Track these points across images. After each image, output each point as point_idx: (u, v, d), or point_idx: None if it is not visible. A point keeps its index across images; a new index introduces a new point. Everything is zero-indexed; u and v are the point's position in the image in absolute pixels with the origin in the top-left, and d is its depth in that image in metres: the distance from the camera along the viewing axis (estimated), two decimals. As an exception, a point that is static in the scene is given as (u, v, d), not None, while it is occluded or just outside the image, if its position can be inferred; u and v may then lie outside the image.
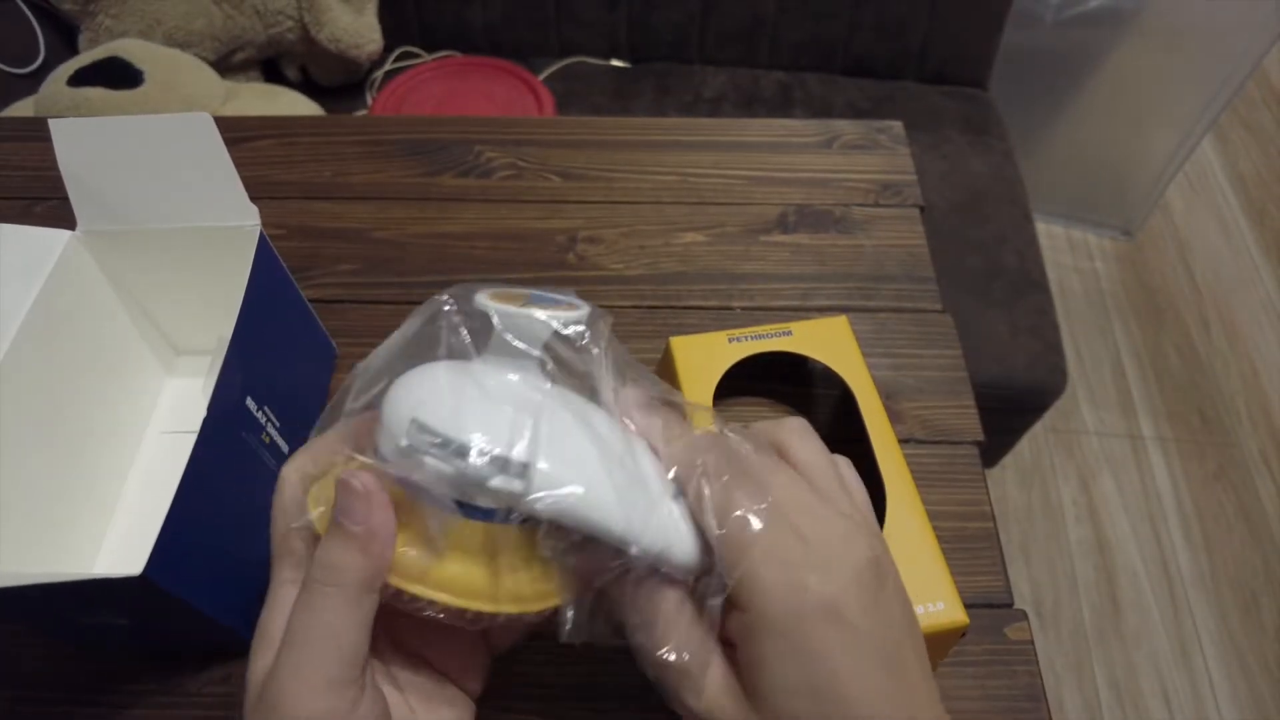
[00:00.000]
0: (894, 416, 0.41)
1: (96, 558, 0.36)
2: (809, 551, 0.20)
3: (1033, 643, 0.35)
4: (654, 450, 0.23)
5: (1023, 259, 0.89)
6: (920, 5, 0.99)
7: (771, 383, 0.42)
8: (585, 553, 0.22)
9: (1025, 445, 1.17)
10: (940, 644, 0.31)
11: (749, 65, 1.08)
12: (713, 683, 0.21)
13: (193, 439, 0.28)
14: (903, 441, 0.39)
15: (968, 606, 0.31)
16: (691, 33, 1.06)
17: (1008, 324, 0.84)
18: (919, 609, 0.30)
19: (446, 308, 0.23)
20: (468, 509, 0.21)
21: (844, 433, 0.41)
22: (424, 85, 1.00)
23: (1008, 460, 1.15)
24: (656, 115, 1.02)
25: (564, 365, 0.23)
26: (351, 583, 0.20)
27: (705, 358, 0.38)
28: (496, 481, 0.20)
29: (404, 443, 0.20)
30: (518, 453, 0.20)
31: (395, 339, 0.24)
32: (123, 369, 0.40)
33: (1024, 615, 0.36)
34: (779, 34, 1.04)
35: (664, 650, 0.21)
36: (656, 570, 0.22)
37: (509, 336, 0.22)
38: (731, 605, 0.21)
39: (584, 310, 0.23)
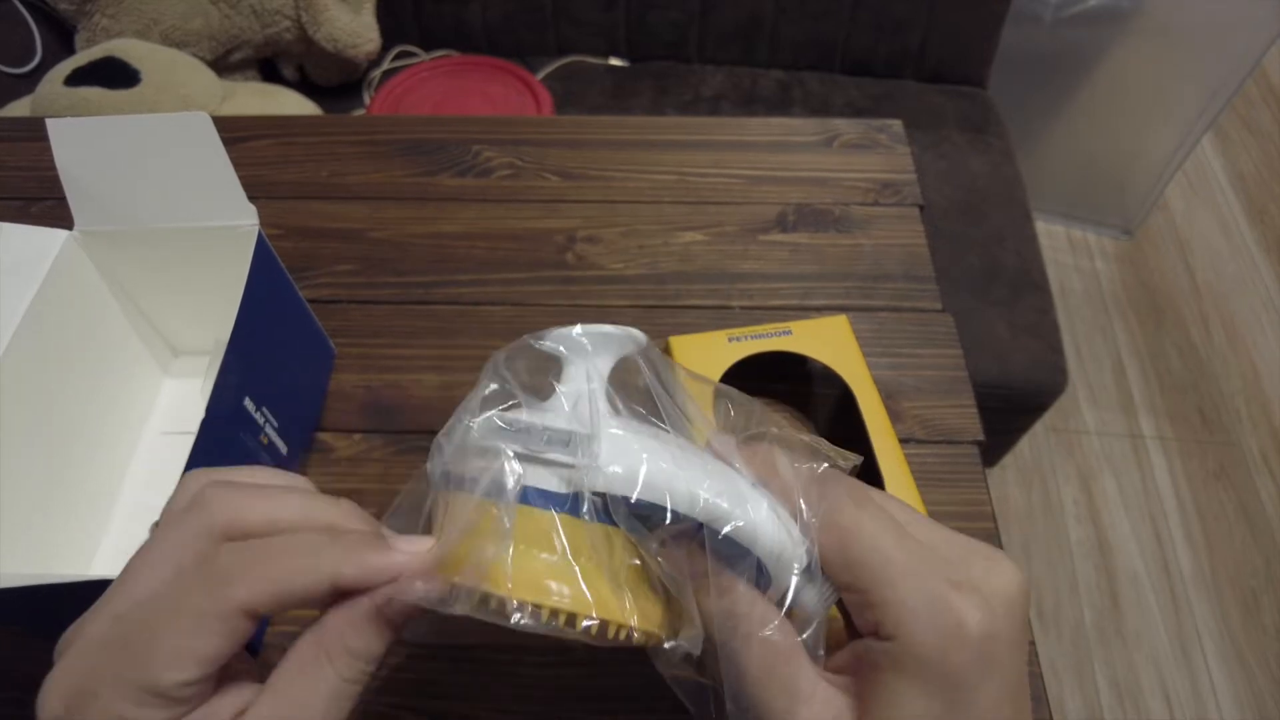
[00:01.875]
0: (894, 416, 0.41)
1: (94, 559, 0.36)
2: (954, 573, 0.19)
3: (1033, 643, 0.35)
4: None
5: (1022, 258, 0.89)
6: (919, 4, 0.99)
7: (771, 382, 0.42)
8: (678, 548, 0.21)
9: (1025, 445, 1.17)
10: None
11: (748, 64, 1.07)
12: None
13: (191, 440, 0.28)
14: (903, 441, 0.39)
15: (969, 607, 0.31)
16: (690, 32, 1.06)
17: (1007, 323, 0.84)
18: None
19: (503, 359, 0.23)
20: (553, 500, 0.20)
21: (844, 432, 0.40)
22: (422, 85, 1.00)
23: (1008, 460, 1.15)
24: (655, 114, 1.02)
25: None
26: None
27: (705, 357, 0.38)
28: (557, 454, 0.20)
29: (483, 442, 0.20)
30: (582, 426, 0.20)
31: (468, 401, 0.23)
32: (120, 369, 0.40)
33: (1025, 615, 0.35)
34: (778, 33, 1.04)
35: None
36: (756, 578, 0.20)
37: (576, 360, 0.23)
38: (851, 628, 0.20)
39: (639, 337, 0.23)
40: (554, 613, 0.19)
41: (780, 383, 0.42)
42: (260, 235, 0.35)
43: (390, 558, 0.19)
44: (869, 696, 0.19)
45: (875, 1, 0.99)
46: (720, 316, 0.46)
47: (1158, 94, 1.17)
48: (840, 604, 0.21)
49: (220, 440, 0.30)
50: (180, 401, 0.42)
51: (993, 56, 1.04)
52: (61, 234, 0.36)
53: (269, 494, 0.20)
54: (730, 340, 0.38)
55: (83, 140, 0.33)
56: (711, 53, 1.07)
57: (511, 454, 0.20)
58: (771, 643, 0.20)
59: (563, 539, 0.20)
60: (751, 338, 0.38)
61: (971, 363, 0.43)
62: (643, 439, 0.21)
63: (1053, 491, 1.14)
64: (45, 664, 0.19)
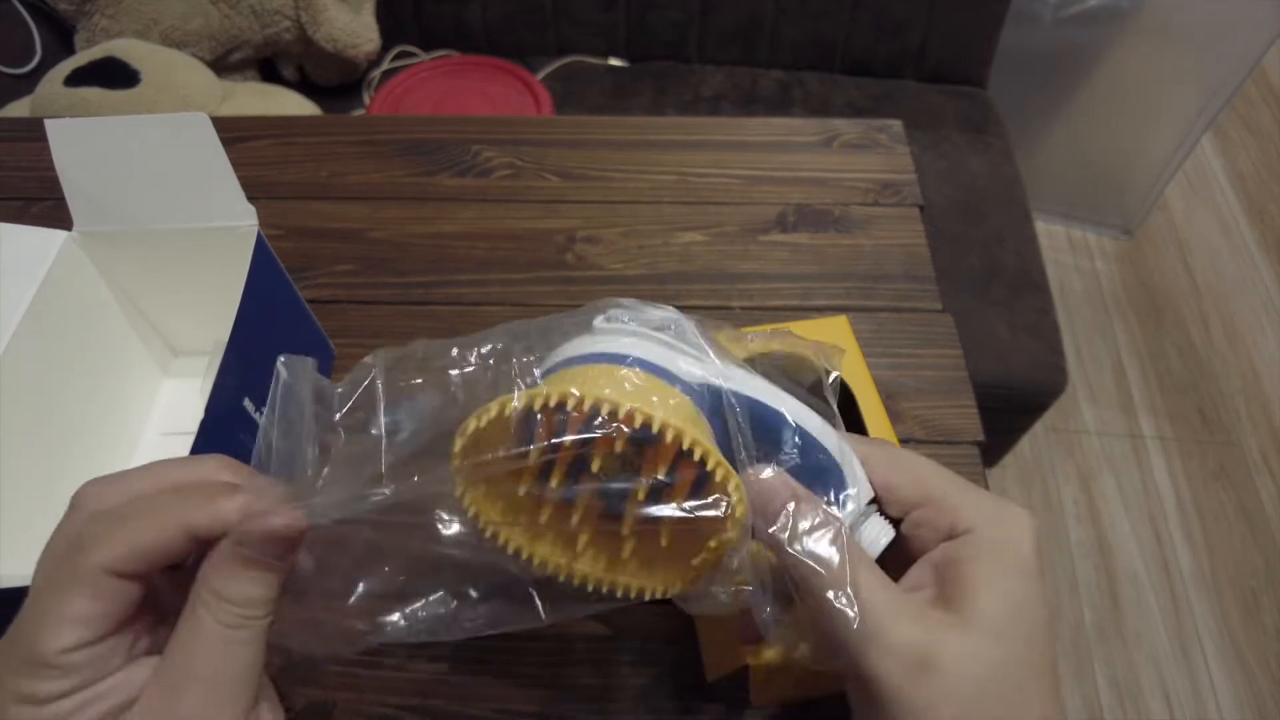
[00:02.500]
0: (894, 416, 0.41)
1: (93, 560, 0.36)
2: (999, 504, 0.23)
3: (1034, 643, 0.35)
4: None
5: (1022, 258, 0.89)
6: (919, 4, 0.99)
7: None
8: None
9: (1025, 445, 1.17)
10: (941, 645, 0.31)
11: (747, 64, 1.07)
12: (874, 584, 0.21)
13: (190, 440, 0.28)
14: (903, 442, 0.39)
15: (969, 607, 0.31)
16: (690, 32, 1.06)
17: (1007, 323, 0.84)
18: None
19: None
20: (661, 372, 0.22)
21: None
22: (421, 85, 1.00)
23: (1008, 460, 1.15)
24: (655, 115, 1.02)
25: None
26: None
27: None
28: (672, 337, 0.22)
29: (602, 321, 0.23)
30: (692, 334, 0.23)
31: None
32: (120, 369, 0.40)
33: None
34: (778, 33, 1.04)
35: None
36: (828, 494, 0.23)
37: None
38: (923, 538, 0.23)
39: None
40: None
41: (780, 383, 0.42)
42: (259, 235, 0.35)
43: (235, 499, 0.20)
44: (957, 597, 0.21)
45: (875, 1, 0.99)
46: (720, 317, 0.46)
47: (1157, 94, 1.17)
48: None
49: (219, 440, 0.30)
50: (179, 402, 0.42)
51: (992, 56, 1.04)
52: (61, 234, 0.36)
53: (130, 473, 0.21)
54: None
55: (82, 141, 0.33)
56: (711, 53, 1.07)
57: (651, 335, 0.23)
58: (859, 558, 0.22)
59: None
60: (751, 338, 0.38)
61: (971, 363, 0.43)
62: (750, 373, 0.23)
63: (1052, 491, 1.14)
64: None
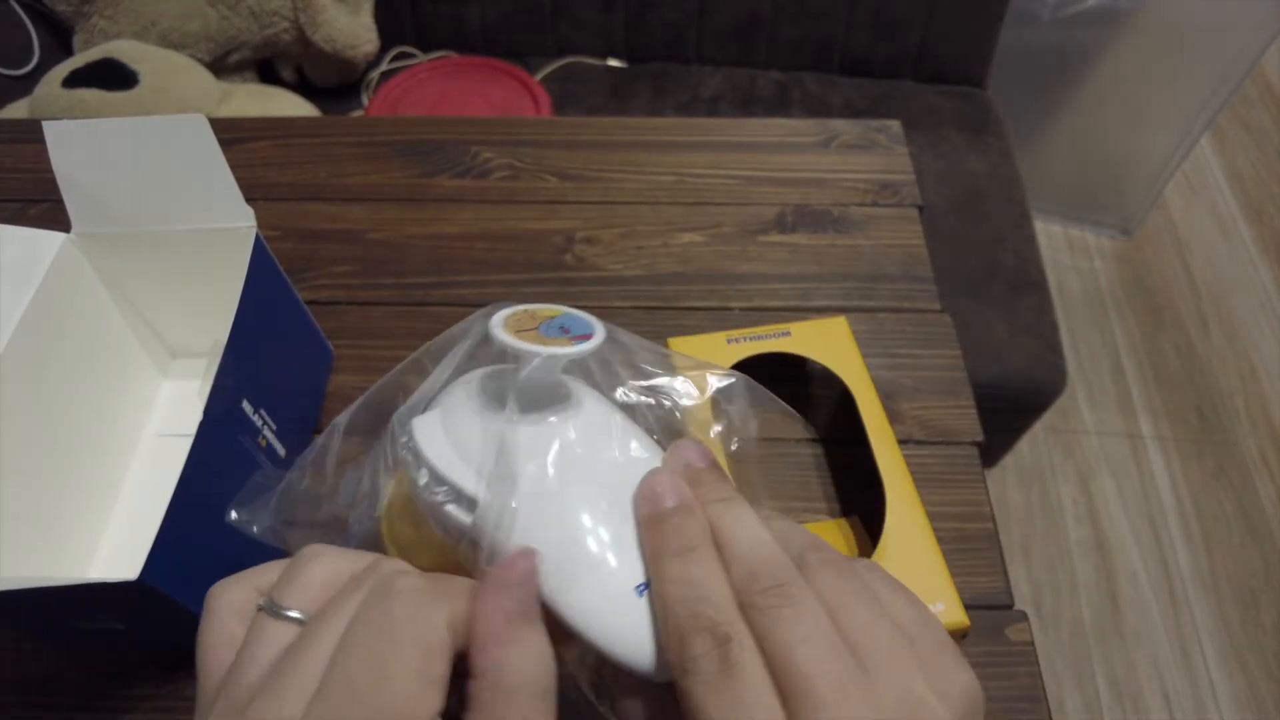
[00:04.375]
0: (893, 417, 0.41)
1: (92, 562, 0.36)
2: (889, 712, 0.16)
3: (1033, 644, 0.35)
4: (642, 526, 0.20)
5: (1021, 258, 0.89)
6: (918, 4, 0.99)
7: (770, 383, 0.42)
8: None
9: (1025, 445, 1.17)
10: (941, 645, 0.31)
11: (746, 65, 1.07)
12: None
13: (189, 442, 0.28)
14: (902, 442, 0.39)
15: (968, 607, 0.31)
16: (688, 32, 1.06)
17: (1006, 323, 0.84)
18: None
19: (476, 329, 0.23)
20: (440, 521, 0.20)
21: (843, 434, 0.40)
22: (420, 86, 1.00)
23: (1007, 460, 1.15)
24: (653, 115, 1.02)
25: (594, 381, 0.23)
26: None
27: (704, 359, 0.38)
28: (450, 509, 0.20)
29: (401, 453, 0.21)
30: (470, 486, 0.20)
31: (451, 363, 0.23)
32: (118, 372, 0.39)
33: (1024, 616, 0.35)
34: (776, 33, 1.04)
35: None
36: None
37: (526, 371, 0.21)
38: None
39: (595, 342, 0.21)
40: None
41: (779, 384, 0.42)
42: (258, 237, 0.35)
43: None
44: None
45: (874, 2, 0.99)
46: (719, 318, 0.46)
47: (1156, 94, 1.17)
48: None
49: (218, 442, 0.30)
50: (178, 404, 0.42)
51: (991, 57, 1.04)
52: (59, 236, 0.36)
53: None
54: (729, 342, 0.38)
55: (80, 143, 0.33)
56: (710, 53, 1.07)
57: (421, 483, 0.20)
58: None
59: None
60: (750, 339, 0.38)
61: (970, 363, 0.43)
62: (536, 506, 0.20)
63: (1052, 491, 1.14)
64: (44, 666, 0.19)
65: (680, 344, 0.38)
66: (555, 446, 0.20)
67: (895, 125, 0.55)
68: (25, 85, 0.89)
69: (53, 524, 0.34)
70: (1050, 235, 1.39)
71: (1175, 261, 1.37)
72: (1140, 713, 0.97)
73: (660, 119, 0.58)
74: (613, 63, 1.09)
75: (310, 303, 0.42)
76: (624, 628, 0.19)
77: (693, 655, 0.17)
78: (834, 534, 0.36)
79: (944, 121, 1.00)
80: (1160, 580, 1.06)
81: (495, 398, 0.22)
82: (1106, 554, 1.09)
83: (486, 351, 0.23)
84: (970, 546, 0.37)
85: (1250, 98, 1.59)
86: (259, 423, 0.33)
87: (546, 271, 0.48)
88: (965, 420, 0.41)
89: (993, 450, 1.00)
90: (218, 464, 0.30)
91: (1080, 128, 1.23)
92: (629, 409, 0.23)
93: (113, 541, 0.37)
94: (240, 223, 0.35)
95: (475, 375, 0.23)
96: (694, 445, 0.22)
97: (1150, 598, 1.05)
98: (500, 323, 0.21)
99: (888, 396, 0.42)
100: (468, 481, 0.20)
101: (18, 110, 0.87)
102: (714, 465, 0.21)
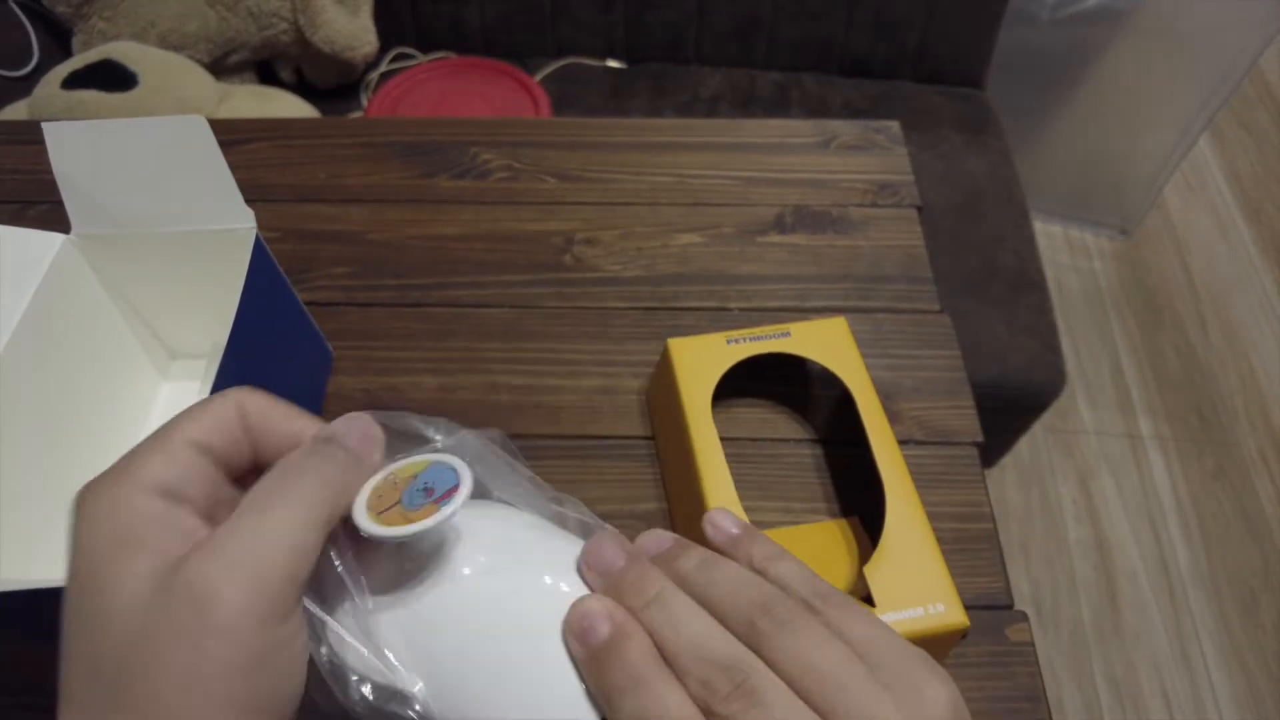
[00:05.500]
0: (893, 417, 0.41)
1: (91, 563, 0.36)
2: None
3: (1033, 643, 0.35)
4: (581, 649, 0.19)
5: (1020, 258, 0.89)
6: (917, 5, 0.99)
7: (770, 384, 0.42)
8: None
9: (1024, 445, 1.17)
10: (941, 646, 0.31)
11: (745, 65, 1.07)
12: None
13: (187, 444, 0.28)
14: (902, 443, 0.39)
15: (968, 608, 0.31)
16: (687, 33, 1.06)
17: (1006, 324, 0.84)
18: (919, 611, 0.30)
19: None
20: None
21: (843, 434, 0.40)
22: (419, 87, 1.00)
23: (1007, 460, 1.15)
24: (652, 116, 1.02)
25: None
26: (335, 497, 0.19)
27: (703, 359, 0.38)
28: (390, 707, 0.19)
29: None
30: (398, 680, 0.19)
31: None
32: (118, 373, 0.39)
33: (1024, 616, 0.35)
34: (775, 34, 1.04)
35: None
36: None
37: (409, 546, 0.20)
38: None
39: (462, 495, 0.19)
40: None
41: (779, 385, 0.42)
42: (258, 238, 0.35)
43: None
44: None
45: (873, 2, 0.99)
46: (718, 318, 0.46)
47: (1155, 94, 1.17)
48: None
49: (218, 444, 0.30)
50: (178, 405, 0.42)
51: (990, 57, 1.04)
52: (58, 238, 0.36)
53: None
54: (729, 342, 0.38)
55: (79, 144, 0.33)
56: (709, 54, 1.07)
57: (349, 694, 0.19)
58: None
59: None
60: (750, 339, 0.38)
61: (970, 363, 0.43)
62: (467, 674, 0.19)
63: (1051, 492, 1.14)
64: (44, 667, 0.19)
65: (679, 345, 0.38)
66: (467, 609, 0.20)
67: (894, 126, 0.55)
68: (24, 86, 0.89)
69: (52, 525, 0.34)
70: (1049, 235, 1.39)
71: (1174, 262, 1.37)
72: (1140, 712, 0.97)
73: (659, 120, 0.58)
74: (612, 63, 1.09)
75: (310, 304, 0.42)
76: None
77: None
78: (834, 534, 0.37)
79: (943, 122, 1.00)
80: (1160, 580, 1.06)
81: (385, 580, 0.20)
82: (1106, 554, 1.09)
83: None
84: (970, 547, 0.37)
85: (1249, 98, 1.59)
86: (258, 424, 0.33)
87: (545, 272, 0.48)
88: (965, 420, 0.41)
89: (992, 450, 1.00)
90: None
91: (1079, 128, 1.23)
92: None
93: (112, 543, 0.37)
94: (240, 224, 0.35)
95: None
96: (608, 542, 0.21)
97: (1150, 597, 1.05)
98: (363, 508, 0.20)
99: (887, 397, 0.42)
100: (396, 676, 0.19)
101: (17, 111, 0.87)
102: (632, 555, 0.20)
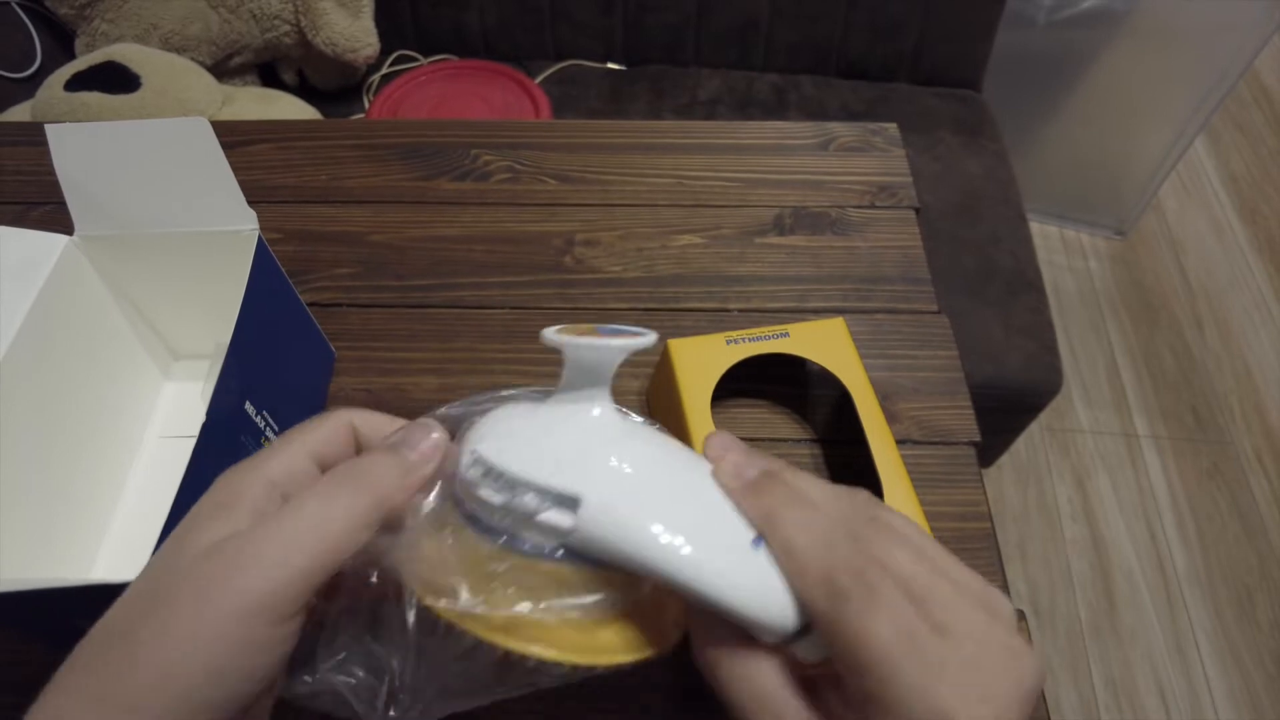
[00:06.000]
0: (891, 417, 0.41)
1: (94, 563, 0.36)
2: (959, 661, 0.18)
3: (1030, 642, 0.35)
4: (737, 496, 0.21)
5: (1017, 259, 0.89)
6: (914, 7, 1.00)
7: (769, 384, 0.43)
8: (651, 600, 0.21)
9: (1021, 445, 1.18)
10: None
11: (744, 68, 1.08)
12: None
13: (191, 443, 0.28)
14: (900, 442, 0.40)
15: (964, 605, 0.31)
16: (686, 35, 1.06)
17: (1002, 324, 0.85)
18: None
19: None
20: (526, 543, 0.20)
21: (842, 434, 0.41)
22: (420, 89, 1.00)
23: (1004, 460, 1.16)
24: (652, 118, 1.02)
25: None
26: (378, 494, 0.20)
27: (703, 360, 0.38)
28: (547, 516, 0.20)
29: (466, 474, 0.21)
30: (565, 485, 0.20)
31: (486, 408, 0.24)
32: (121, 373, 0.40)
33: (1022, 615, 0.36)
34: (773, 36, 1.05)
35: None
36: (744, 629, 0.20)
37: (579, 369, 0.22)
38: (842, 682, 0.19)
39: (650, 336, 0.22)
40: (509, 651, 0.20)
41: (778, 385, 0.43)
42: (260, 239, 0.35)
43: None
44: None
45: (870, 5, 1.00)
46: (718, 319, 0.46)
47: (1150, 95, 1.18)
48: None
49: (221, 444, 0.30)
50: (181, 405, 0.42)
51: (987, 59, 1.04)
52: (62, 239, 0.36)
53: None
54: (728, 343, 0.39)
55: (82, 146, 0.33)
56: (708, 56, 1.08)
57: (497, 504, 0.20)
58: (754, 682, 0.20)
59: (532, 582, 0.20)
60: (749, 340, 0.39)
61: (967, 363, 0.44)
62: (635, 488, 0.20)
63: (1048, 491, 1.14)
64: (46, 667, 0.19)
65: (679, 345, 0.39)
66: (634, 435, 0.22)
67: (892, 128, 0.56)
68: (27, 88, 0.89)
69: (55, 525, 0.35)
70: (1046, 236, 1.39)
71: (1170, 262, 1.38)
72: (1137, 710, 0.97)
73: (659, 122, 0.58)
74: (611, 66, 1.09)
75: (312, 305, 0.42)
76: (757, 586, 0.20)
77: (842, 588, 0.19)
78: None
79: (940, 124, 1.01)
80: (1156, 578, 1.07)
81: (560, 405, 0.22)
82: (1102, 553, 1.09)
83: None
84: (967, 546, 0.37)
85: (1244, 99, 1.60)
86: (261, 424, 0.34)
87: (546, 273, 0.48)
88: (962, 420, 0.42)
89: (989, 450, 1.01)
90: (220, 465, 0.30)
91: (1075, 129, 1.24)
92: None
93: (115, 543, 0.37)
94: (242, 225, 0.35)
95: (510, 401, 0.23)
96: (724, 435, 0.23)
97: (1146, 596, 1.06)
98: (554, 331, 0.22)
99: (885, 397, 0.42)
100: (563, 480, 0.20)
101: (20, 113, 0.87)
102: (748, 448, 0.23)
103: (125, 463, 0.39)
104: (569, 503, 0.20)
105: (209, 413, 0.29)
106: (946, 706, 0.17)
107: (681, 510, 0.20)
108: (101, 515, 0.37)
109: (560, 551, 0.20)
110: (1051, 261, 1.37)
